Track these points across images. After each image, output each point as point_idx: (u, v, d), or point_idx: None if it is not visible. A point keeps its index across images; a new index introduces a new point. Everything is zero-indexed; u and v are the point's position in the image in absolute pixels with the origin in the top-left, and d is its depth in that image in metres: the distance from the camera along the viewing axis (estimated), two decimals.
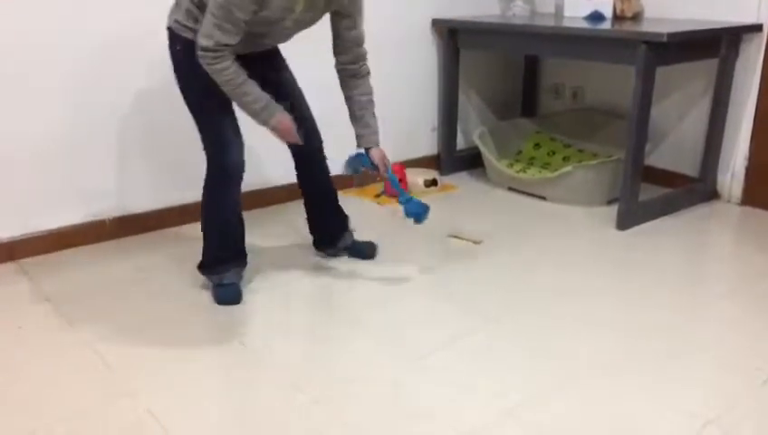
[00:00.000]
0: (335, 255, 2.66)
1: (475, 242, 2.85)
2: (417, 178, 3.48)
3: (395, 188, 2.52)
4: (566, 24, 3.25)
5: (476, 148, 3.61)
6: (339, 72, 2.37)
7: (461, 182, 3.65)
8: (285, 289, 2.44)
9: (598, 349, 2.06)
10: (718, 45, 3.08)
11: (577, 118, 3.80)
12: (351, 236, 2.67)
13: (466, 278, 2.54)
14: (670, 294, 2.41)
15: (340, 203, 2.63)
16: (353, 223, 2.70)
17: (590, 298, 2.38)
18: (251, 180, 2.59)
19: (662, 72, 2.94)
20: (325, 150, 2.55)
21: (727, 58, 3.13)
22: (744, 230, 3.04)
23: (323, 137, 2.54)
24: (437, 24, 3.61)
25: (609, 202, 3.27)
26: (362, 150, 2.42)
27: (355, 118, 2.37)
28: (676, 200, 3.24)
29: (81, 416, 1.75)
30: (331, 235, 2.64)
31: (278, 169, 2.99)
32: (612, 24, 3.19)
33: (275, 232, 2.94)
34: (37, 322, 2.21)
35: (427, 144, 3.81)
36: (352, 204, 3.31)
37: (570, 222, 3.10)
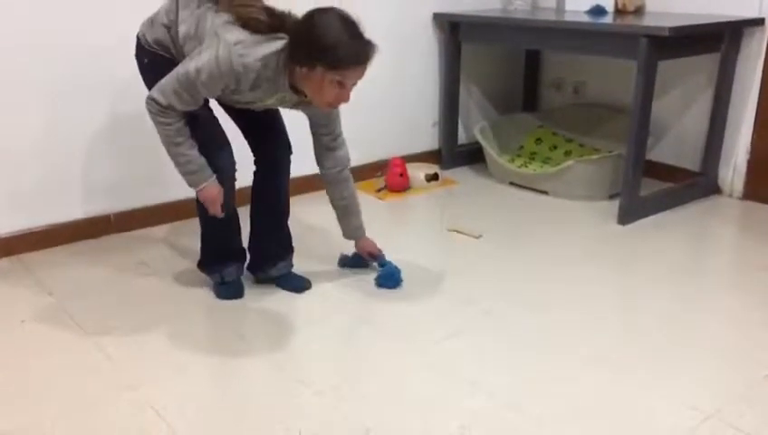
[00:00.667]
0: (263, 281, 2.42)
1: (476, 237, 2.85)
2: (418, 172, 3.48)
3: (388, 281, 2.44)
4: (567, 18, 3.25)
5: (478, 142, 3.61)
6: (322, 175, 2.34)
7: (462, 177, 3.65)
8: None
9: (598, 343, 2.06)
10: (720, 40, 3.08)
11: (578, 112, 3.79)
12: (289, 267, 2.42)
13: (467, 273, 2.54)
14: (671, 289, 2.41)
15: (289, 229, 2.43)
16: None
17: (592, 292, 2.38)
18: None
19: (664, 67, 2.93)
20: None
21: (729, 52, 3.13)
22: (746, 225, 3.04)
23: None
24: (439, 18, 3.61)
25: (611, 197, 3.27)
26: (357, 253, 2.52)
27: (339, 218, 2.43)
28: (678, 195, 3.24)
29: (83, 410, 1.76)
30: (265, 257, 2.39)
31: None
32: (614, 19, 3.18)
33: None
34: (40, 316, 2.21)
35: (428, 139, 3.81)
36: None
37: (571, 217, 3.10)
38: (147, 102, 1.94)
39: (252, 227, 2.38)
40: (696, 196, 3.30)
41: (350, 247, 2.63)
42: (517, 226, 3.00)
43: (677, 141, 3.48)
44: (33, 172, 2.65)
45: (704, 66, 3.29)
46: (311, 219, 3.03)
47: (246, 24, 1.89)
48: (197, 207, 2.22)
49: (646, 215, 3.07)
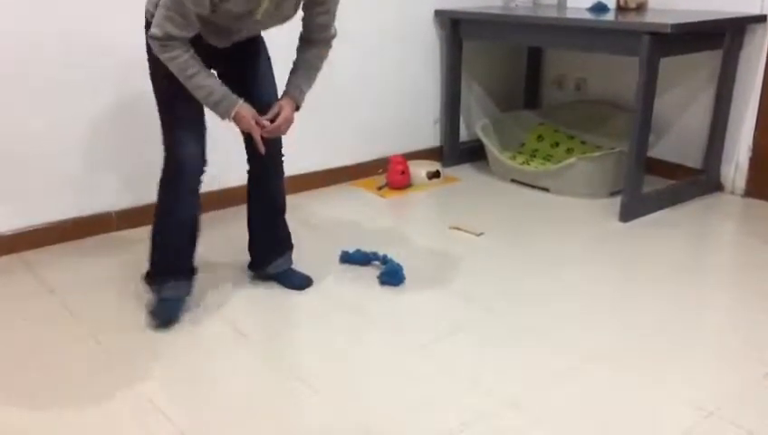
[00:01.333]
0: (264, 278, 2.41)
1: (477, 234, 2.85)
2: (419, 169, 3.48)
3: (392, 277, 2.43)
4: (569, 14, 3.24)
5: (479, 140, 3.61)
6: (299, 38, 2.18)
7: (463, 174, 3.65)
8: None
9: (599, 340, 2.06)
10: (722, 36, 3.07)
11: (580, 110, 3.79)
12: (289, 262, 2.41)
13: (468, 270, 2.54)
14: (672, 286, 2.41)
15: (287, 226, 2.40)
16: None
17: (592, 290, 2.38)
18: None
19: (666, 64, 2.93)
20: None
21: (731, 49, 3.12)
22: (748, 222, 3.03)
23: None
24: (440, 15, 3.60)
25: (612, 194, 3.27)
26: (359, 248, 2.51)
27: (290, 72, 2.18)
28: (680, 192, 3.24)
29: (84, 406, 1.76)
30: (263, 255, 2.38)
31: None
32: (616, 15, 3.18)
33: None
34: (42, 314, 2.22)
35: (429, 136, 3.81)
36: (354, 196, 3.32)
37: (572, 214, 3.09)
38: (148, 42, 1.94)
39: (249, 226, 2.37)
40: (698, 193, 3.29)
41: (351, 244, 2.64)
42: (518, 223, 3.00)
43: (679, 138, 3.47)
44: (35, 170, 2.65)
45: (706, 63, 3.28)
46: (312, 216, 3.03)
47: None
48: (157, 211, 2.13)
49: (647, 212, 3.07)
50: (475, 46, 3.79)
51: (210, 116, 2.07)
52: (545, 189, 3.36)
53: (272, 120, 2.09)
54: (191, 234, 2.18)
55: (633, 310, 2.25)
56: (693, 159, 3.42)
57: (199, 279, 2.41)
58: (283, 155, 2.30)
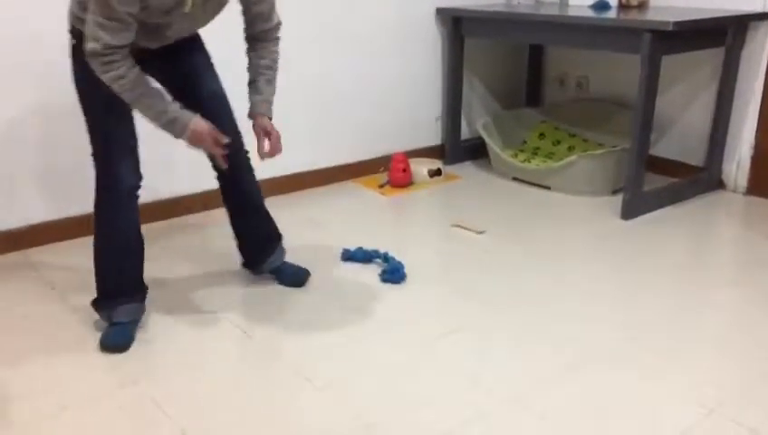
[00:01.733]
0: (261, 273, 2.40)
1: (479, 232, 2.85)
2: (421, 167, 3.47)
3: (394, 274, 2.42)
4: (571, 12, 3.23)
5: (481, 137, 3.61)
6: (245, 38, 2.09)
7: (465, 172, 3.65)
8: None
9: (601, 337, 2.06)
10: (724, 34, 3.06)
11: (582, 107, 3.79)
12: (281, 255, 2.37)
13: (470, 268, 2.54)
14: (674, 284, 2.41)
15: (270, 219, 2.33)
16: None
17: (594, 287, 2.38)
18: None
19: (667, 61, 2.92)
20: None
21: (733, 47, 3.12)
22: (749, 220, 3.03)
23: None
24: (442, 13, 3.60)
25: (614, 192, 3.27)
26: (361, 246, 2.49)
27: (249, 84, 2.08)
28: (681, 190, 3.23)
29: (85, 404, 1.76)
30: (255, 253, 2.35)
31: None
32: (617, 13, 3.17)
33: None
34: (43, 311, 2.22)
35: (431, 134, 3.80)
36: (356, 194, 3.32)
37: (574, 212, 3.09)
38: (89, 62, 1.75)
39: (233, 228, 2.32)
40: (700, 191, 3.29)
41: (353, 243, 2.64)
42: (520, 221, 2.99)
43: (681, 136, 3.47)
44: (36, 167, 2.66)
45: (708, 61, 3.27)
46: (313, 214, 3.03)
47: None
48: (95, 232, 2.02)
49: (649, 210, 3.06)
50: (476, 44, 3.79)
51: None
52: (547, 187, 3.36)
53: (265, 134, 2.04)
54: (135, 251, 2.07)
55: (635, 307, 2.25)
56: (695, 156, 3.41)
57: (199, 277, 2.41)
58: (247, 151, 2.20)
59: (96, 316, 2.12)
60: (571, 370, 1.90)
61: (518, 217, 3.04)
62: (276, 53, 2.10)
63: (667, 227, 2.92)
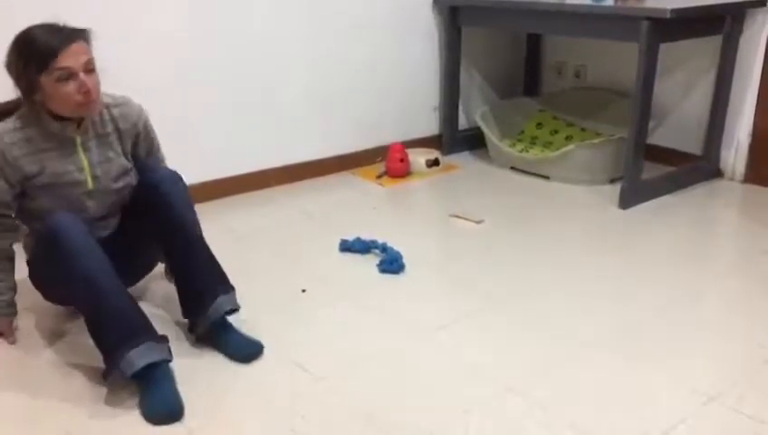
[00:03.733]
0: (202, 334, 1.96)
1: (477, 222, 2.85)
2: (418, 157, 3.47)
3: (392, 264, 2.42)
4: (569, 0, 3.21)
5: (478, 127, 3.60)
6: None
7: (463, 162, 3.64)
8: (294, 268, 2.45)
9: (599, 326, 2.06)
10: (722, 22, 3.05)
11: (580, 96, 3.78)
12: (229, 305, 1.94)
13: (468, 257, 2.54)
14: (672, 273, 2.41)
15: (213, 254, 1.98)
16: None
17: (592, 276, 2.38)
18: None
19: (665, 49, 2.91)
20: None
21: (731, 34, 3.11)
22: (747, 208, 3.03)
23: None
24: (439, 2, 3.58)
25: (612, 181, 3.26)
26: (359, 236, 2.48)
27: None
28: (679, 179, 3.23)
29: (90, 405, 1.76)
30: (195, 299, 1.93)
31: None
32: (615, 1, 3.15)
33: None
34: (43, 306, 2.21)
35: (428, 124, 3.79)
36: (353, 184, 3.32)
37: (572, 201, 3.09)
38: None
39: (175, 278, 2.00)
40: (698, 179, 3.29)
41: (351, 233, 2.64)
42: (518, 211, 2.99)
43: (679, 125, 3.46)
44: None
45: (705, 49, 3.26)
46: (311, 205, 3.03)
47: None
48: (74, 297, 1.81)
49: (647, 199, 3.06)
50: (474, 33, 3.78)
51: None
52: (545, 177, 3.35)
53: None
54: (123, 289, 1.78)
55: (633, 296, 2.25)
56: (693, 145, 3.41)
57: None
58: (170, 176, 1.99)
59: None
60: (569, 358, 1.91)
61: (516, 206, 3.04)
62: (192, 207, 2.04)
63: (665, 215, 2.92)
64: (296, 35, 3.20)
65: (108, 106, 1.93)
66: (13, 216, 1.93)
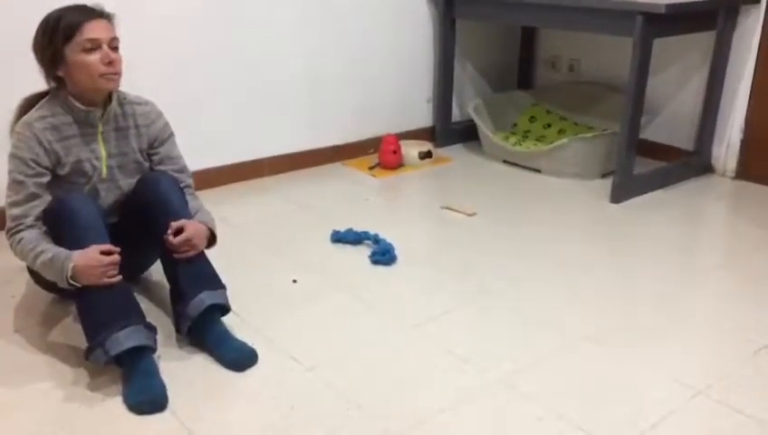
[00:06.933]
0: (186, 333, 1.89)
1: (469, 214, 2.85)
2: (411, 149, 3.46)
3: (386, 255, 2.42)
4: None
5: (472, 120, 3.60)
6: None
7: (456, 154, 3.64)
8: (286, 259, 2.45)
9: (590, 319, 2.07)
10: (716, 17, 3.06)
11: (573, 90, 3.78)
12: (211, 299, 1.86)
13: (460, 250, 2.54)
14: (663, 267, 2.42)
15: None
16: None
17: (584, 270, 2.39)
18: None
19: (659, 45, 2.91)
20: None
21: (725, 30, 3.11)
22: (738, 204, 3.05)
23: None
24: None
25: (604, 175, 3.27)
26: (351, 227, 2.49)
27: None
28: (671, 174, 3.25)
29: (89, 403, 1.75)
30: (178, 295, 1.88)
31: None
32: None
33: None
34: (30, 291, 2.20)
35: (421, 116, 3.79)
36: (346, 175, 3.31)
37: (564, 195, 3.10)
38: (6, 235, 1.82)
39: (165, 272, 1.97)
40: (690, 175, 3.30)
41: (343, 224, 2.64)
42: (510, 204, 3.00)
43: (671, 120, 3.47)
44: None
45: (699, 44, 3.27)
46: (303, 196, 3.02)
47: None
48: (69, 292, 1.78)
49: (639, 193, 3.07)
50: (468, 26, 3.77)
51: None
52: (537, 170, 3.36)
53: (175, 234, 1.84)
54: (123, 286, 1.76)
55: (623, 290, 2.26)
56: (685, 140, 3.42)
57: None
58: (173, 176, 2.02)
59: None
60: (559, 351, 1.91)
61: (508, 199, 3.05)
62: (201, 204, 2.07)
63: (657, 210, 2.93)
64: (290, 27, 3.18)
65: (131, 102, 1.98)
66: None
